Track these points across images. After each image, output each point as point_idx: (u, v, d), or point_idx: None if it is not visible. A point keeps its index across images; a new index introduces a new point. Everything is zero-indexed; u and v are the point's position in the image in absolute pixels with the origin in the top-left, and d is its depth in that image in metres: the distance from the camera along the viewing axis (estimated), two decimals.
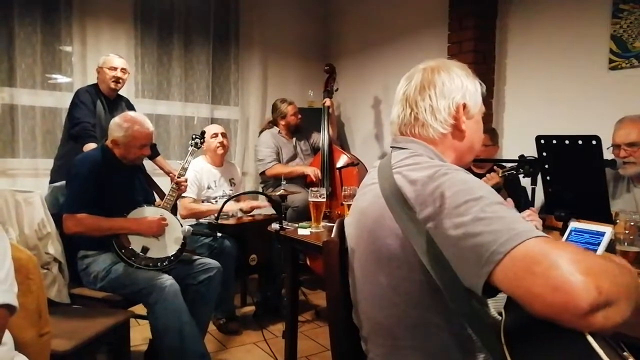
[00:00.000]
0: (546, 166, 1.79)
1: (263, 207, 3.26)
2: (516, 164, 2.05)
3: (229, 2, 4.10)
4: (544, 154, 1.76)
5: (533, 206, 1.90)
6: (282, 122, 3.62)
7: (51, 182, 2.83)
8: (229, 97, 4.22)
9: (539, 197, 1.95)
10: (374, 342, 0.97)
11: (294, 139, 3.68)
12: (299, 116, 3.64)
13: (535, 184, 1.94)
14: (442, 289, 0.80)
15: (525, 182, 2.32)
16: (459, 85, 0.99)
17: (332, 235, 1.06)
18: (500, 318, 0.83)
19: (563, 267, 0.63)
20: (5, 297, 0.81)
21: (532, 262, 0.66)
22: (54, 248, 2.06)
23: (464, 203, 0.75)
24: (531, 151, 1.92)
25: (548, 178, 1.81)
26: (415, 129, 0.99)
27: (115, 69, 2.88)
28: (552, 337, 0.69)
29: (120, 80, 2.92)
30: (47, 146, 3.36)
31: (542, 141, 1.74)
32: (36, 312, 1.20)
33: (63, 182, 2.32)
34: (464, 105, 0.99)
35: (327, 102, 3.64)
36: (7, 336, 0.97)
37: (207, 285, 2.27)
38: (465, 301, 0.79)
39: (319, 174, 3.41)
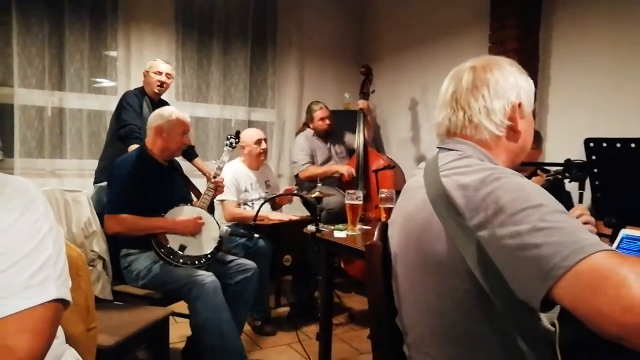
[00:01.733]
0: (595, 170, 1.72)
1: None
2: (562, 168, 1.98)
3: (266, 5, 4.15)
4: (593, 157, 1.69)
5: None
6: (311, 125, 3.64)
7: (95, 182, 2.94)
8: (265, 99, 4.28)
9: (586, 203, 1.87)
10: (419, 350, 0.94)
11: (329, 142, 3.68)
12: (328, 122, 3.59)
13: (583, 189, 1.87)
14: (493, 299, 0.76)
15: (570, 187, 2.23)
16: (513, 83, 0.93)
17: (375, 239, 1.05)
18: (552, 329, 0.79)
19: (635, 285, 0.59)
20: (60, 292, 0.83)
21: (599, 278, 0.62)
22: (99, 246, 2.13)
23: (521, 211, 0.71)
24: (575, 155, 1.84)
25: (597, 183, 1.74)
26: (468, 130, 0.94)
27: (160, 73, 3.00)
28: (616, 350, 0.65)
29: (164, 85, 3.04)
30: (92, 148, 3.50)
31: (592, 144, 1.67)
32: (85, 307, 1.23)
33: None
34: (519, 105, 0.94)
35: (362, 103, 3.61)
36: (59, 330, 1.00)
37: (244, 286, 2.29)
38: (518, 312, 0.75)
39: (353, 172, 3.39)
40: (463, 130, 0.95)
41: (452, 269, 0.82)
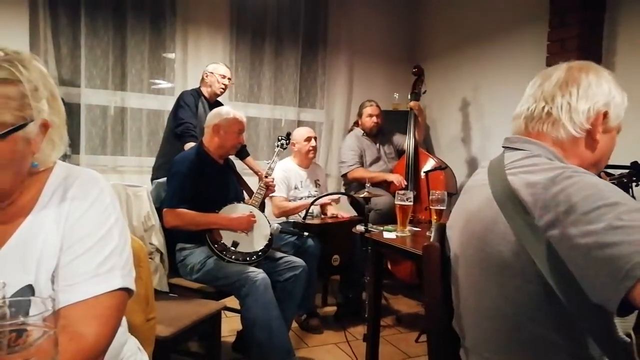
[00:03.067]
0: None
1: (346, 217, 3.24)
2: (628, 170, 1.86)
3: (318, 5, 4.17)
4: None
5: None
6: (360, 123, 3.63)
7: (152, 178, 3.05)
8: (315, 100, 4.30)
9: None
10: (478, 355, 0.91)
11: (378, 143, 3.65)
12: (375, 120, 3.56)
13: None
14: (563, 301, 0.73)
15: (637, 191, 2.09)
16: (606, 91, 0.90)
17: (432, 240, 1.02)
18: (628, 340, 0.74)
19: None
20: (125, 281, 0.87)
21: None
22: (157, 240, 2.21)
23: (596, 209, 0.68)
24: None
25: None
26: (545, 126, 0.90)
27: (224, 77, 3.11)
28: None
29: (226, 88, 3.16)
30: (151, 146, 3.65)
31: None
32: (145, 298, 1.28)
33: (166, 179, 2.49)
34: (605, 114, 0.89)
35: (413, 104, 3.55)
36: (123, 318, 1.04)
37: (293, 283, 2.32)
38: (591, 316, 0.71)
39: (403, 182, 3.33)
40: (539, 125, 0.91)
41: (518, 269, 0.79)
